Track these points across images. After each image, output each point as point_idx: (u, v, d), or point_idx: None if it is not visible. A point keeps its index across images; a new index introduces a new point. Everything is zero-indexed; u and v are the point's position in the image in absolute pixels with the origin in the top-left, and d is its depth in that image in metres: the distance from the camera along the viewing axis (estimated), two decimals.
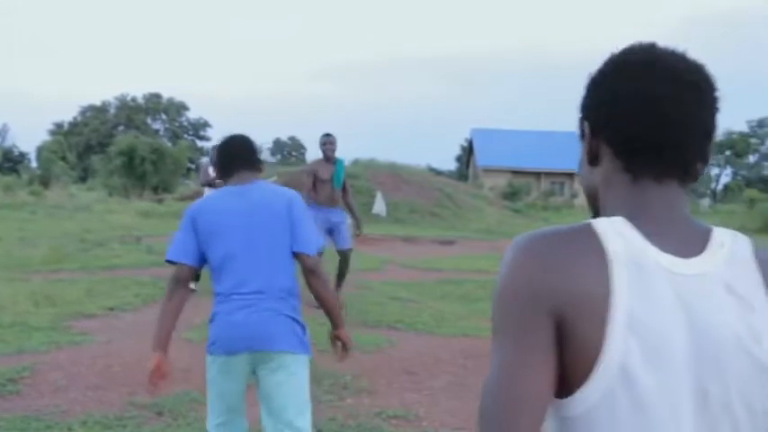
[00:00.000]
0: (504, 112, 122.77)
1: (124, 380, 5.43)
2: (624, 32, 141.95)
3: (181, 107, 77.45)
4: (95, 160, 48.57)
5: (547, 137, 51.71)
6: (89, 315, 7.75)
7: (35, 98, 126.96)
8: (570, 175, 49.00)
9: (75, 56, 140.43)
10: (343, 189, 8.63)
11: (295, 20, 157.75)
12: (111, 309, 8.14)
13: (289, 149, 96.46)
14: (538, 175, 48.26)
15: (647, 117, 1.12)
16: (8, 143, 73.55)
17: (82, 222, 20.58)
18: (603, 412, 1.03)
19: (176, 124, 78.08)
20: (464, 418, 4.96)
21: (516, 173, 46.54)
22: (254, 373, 3.23)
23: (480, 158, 50.20)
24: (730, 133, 65.96)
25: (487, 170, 48.18)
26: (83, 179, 57.48)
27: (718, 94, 1.16)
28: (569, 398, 1.05)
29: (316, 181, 8.43)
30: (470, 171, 54.65)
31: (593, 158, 1.21)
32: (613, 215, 1.13)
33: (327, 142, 8.49)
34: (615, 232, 1.07)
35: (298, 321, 3.21)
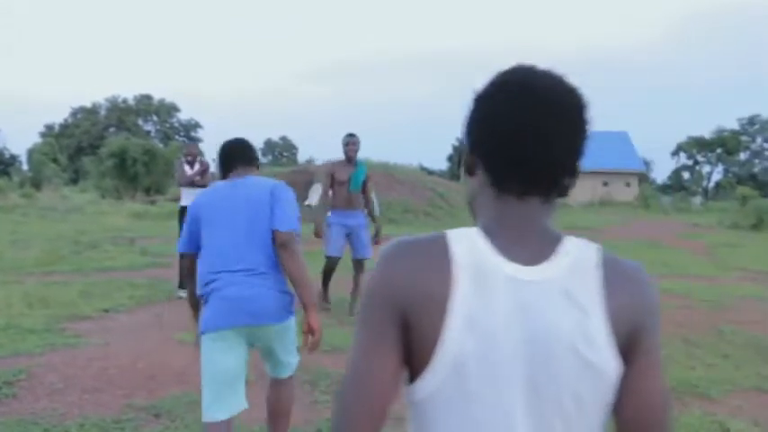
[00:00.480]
0: None
1: (120, 382, 5.37)
2: (619, 30, 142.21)
3: (172, 108, 77.31)
4: (87, 162, 48.43)
5: None
6: (84, 317, 7.69)
7: (25, 100, 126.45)
8: None
9: (65, 58, 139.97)
10: (364, 192, 8.15)
11: (286, 20, 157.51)
12: (106, 310, 8.08)
13: (280, 150, 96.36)
14: None
15: (513, 139, 1.20)
16: None
17: (75, 224, 20.48)
18: (440, 399, 1.16)
19: (167, 125, 77.92)
20: None
21: None
22: (251, 346, 3.54)
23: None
24: (721, 131, 66.19)
25: None
26: (74, 181, 57.31)
27: (588, 117, 1.25)
28: (413, 385, 1.19)
29: (333, 183, 8.03)
30: (462, 171, 54.69)
31: (469, 169, 1.32)
32: (478, 224, 1.26)
33: (350, 143, 8.00)
34: (465, 242, 1.19)
35: (286, 292, 3.53)
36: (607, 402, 1.20)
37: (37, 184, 41.83)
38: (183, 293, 8.85)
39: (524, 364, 1.15)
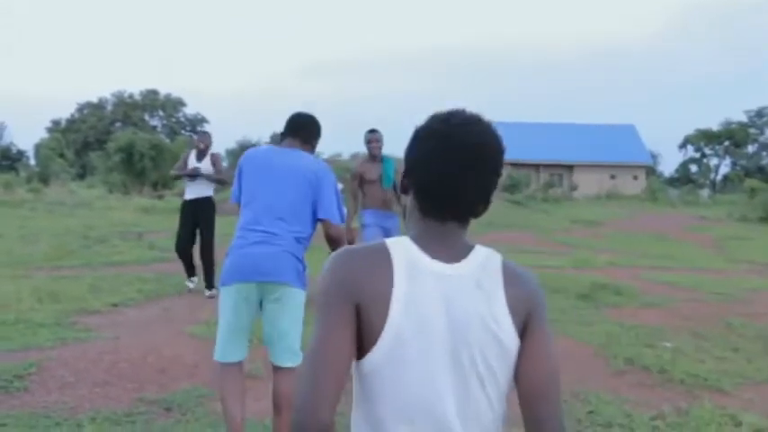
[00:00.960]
0: (502, 104, 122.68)
1: (131, 376, 5.39)
2: (625, 22, 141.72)
3: (178, 103, 77.31)
4: (94, 157, 48.50)
5: (545, 129, 51.66)
6: (93, 311, 7.71)
7: (32, 96, 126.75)
8: (569, 167, 48.98)
9: (71, 53, 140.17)
10: (395, 192, 7.64)
11: (291, 15, 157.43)
12: (115, 305, 8.10)
13: None
14: (537, 166, 48.20)
15: (432, 175, 1.55)
16: (6, 141, 73.40)
17: (82, 219, 20.53)
18: (384, 368, 1.49)
19: (174, 120, 77.96)
20: None
21: (515, 165, 46.49)
22: (260, 305, 3.79)
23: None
24: (729, 123, 65.92)
25: None
26: (81, 176, 57.38)
27: (500, 161, 1.58)
28: (362, 360, 1.50)
29: (363, 183, 7.59)
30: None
31: (404, 190, 1.65)
32: (408, 234, 1.61)
33: (373, 139, 7.55)
34: (401, 248, 1.54)
35: (300, 261, 3.78)
36: (510, 371, 1.55)
37: (44, 179, 41.90)
38: (192, 284, 8.99)
39: (448, 337, 1.50)
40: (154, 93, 77.00)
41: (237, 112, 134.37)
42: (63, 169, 51.22)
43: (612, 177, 48.00)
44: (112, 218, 21.08)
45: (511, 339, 1.53)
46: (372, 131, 7.59)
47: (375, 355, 1.48)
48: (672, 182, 63.15)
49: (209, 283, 8.77)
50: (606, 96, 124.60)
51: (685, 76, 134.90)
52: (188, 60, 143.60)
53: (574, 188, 45.20)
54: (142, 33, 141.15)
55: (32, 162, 62.38)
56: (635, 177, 48.92)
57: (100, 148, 50.70)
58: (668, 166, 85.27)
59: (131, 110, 74.99)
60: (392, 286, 1.49)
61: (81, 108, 75.85)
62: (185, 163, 9.09)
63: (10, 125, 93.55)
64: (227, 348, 3.83)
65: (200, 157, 9.04)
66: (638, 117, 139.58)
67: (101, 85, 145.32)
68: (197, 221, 8.95)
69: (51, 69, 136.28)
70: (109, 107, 76.24)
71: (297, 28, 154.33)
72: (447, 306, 1.50)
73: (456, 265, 1.54)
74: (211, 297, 8.41)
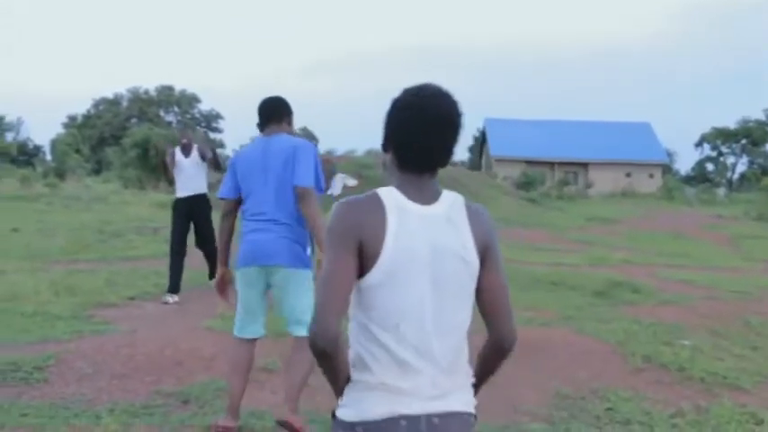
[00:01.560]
0: (516, 102, 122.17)
1: (148, 368, 5.41)
2: (641, 19, 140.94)
3: (193, 99, 77.48)
4: (110, 152, 48.70)
5: (560, 126, 51.42)
6: (110, 304, 7.75)
7: (49, 92, 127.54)
8: (584, 165, 48.74)
9: (87, 49, 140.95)
10: None
11: (300, 12, 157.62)
12: (132, 298, 8.15)
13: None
14: (551, 164, 48.01)
15: (409, 138, 2.01)
16: (23, 136, 73.89)
17: (98, 214, 20.65)
18: (379, 286, 1.93)
19: (188, 116, 78.10)
20: (489, 406, 4.86)
21: (530, 162, 46.33)
22: (268, 285, 4.23)
23: (493, 148, 49.98)
24: (746, 121, 65.41)
25: (501, 160, 47.97)
26: (96, 172, 57.65)
27: (460, 121, 2.04)
28: (362, 279, 1.94)
29: None
30: (483, 161, 54.45)
31: (384, 149, 2.09)
32: (390, 185, 2.04)
33: None
34: (389, 195, 1.98)
35: (299, 243, 4.18)
36: (473, 286, 2.01)
37: (60, 174, 42.10)
38: (171, 299, 8.05)
39: (429, 261, 1.95)
40: (169, 89, 77.21)
41: (252, 108, 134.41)
42: (79, 164, 51.50)
43: (628, 175, 47.73)
44: (128, 213, 21.17)
45: (475, 261, 2.00)
46: None
47: (373, 275, 1.93)
48: (688, 180, 62.74)
49: (213, 274, 8.27)
50: (622, 94, 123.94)
51: (702, 74, 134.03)
52: (203, 57, 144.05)
53: (589, 186, 45.01)
54: (157, 30, 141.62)
55: (49, 157, 62.73)
56: (651, 176, 48.62)
57: (115, 144, 50.86)
58: (684, 165, 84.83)
59: (147, 106, 75.23)
60: (385, 224, 1.93)
61: (97, 104, 76.18)
62: (173, 160, 8.54)
63: (27, 121, 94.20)
64: (243, 325, 4.33)
65: (186, 152, 8.62)
66: (655, 115, 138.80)
67: (116, 81, 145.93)
68: (192, 220, 8.51)
69: (67, 66, 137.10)
70: (124, 103, 76.51)
71: (305, 25, 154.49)
72: (427, 237, 1.96)
73: (431, 206, 2.00)
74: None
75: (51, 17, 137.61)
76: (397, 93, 2.06)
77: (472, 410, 2.04)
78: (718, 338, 7.03)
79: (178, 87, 77.52)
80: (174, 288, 8.19)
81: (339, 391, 2.00)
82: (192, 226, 8.57)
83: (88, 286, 8.57)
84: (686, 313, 8.29)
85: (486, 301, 2.03)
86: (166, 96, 76.92)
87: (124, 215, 20.15)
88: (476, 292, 2.02)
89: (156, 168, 27.63)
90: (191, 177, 8.48)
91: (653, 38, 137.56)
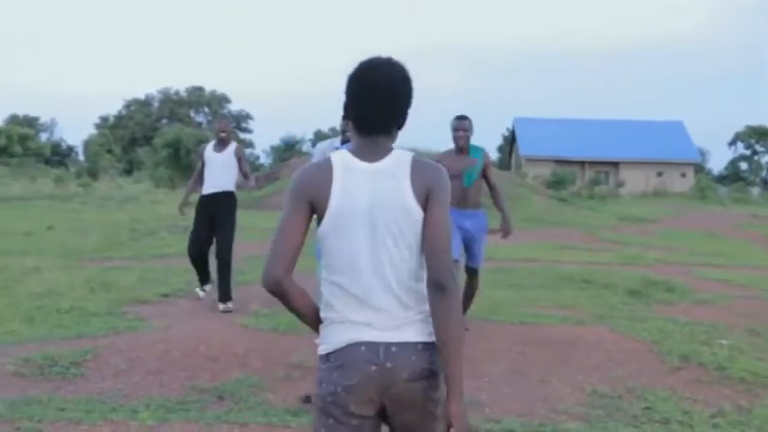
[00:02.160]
0: (546, 101, 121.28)
1: (183, 364, 5.43)
2: (673, 14, 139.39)
3: (223, 99, 77.99)
4: (141, 152, 49.16)
5: (591, 125, 51.01)
6: (144, 301, 7.80)
7: (81, 93, 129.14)
8: (615, 164, 48.33)
9: (119, 51, 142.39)
10: (489, 186, 6.77)
11: (332, 10, 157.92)
12: (165, 295, 8.19)
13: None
14: (582, 164, 47.66)
15: (359, 107, 2.27)
16: (56, 137, 74.95)
17: (131, 213, 20.86)
18: (329, 234, 2.20)
19: (219, 117, 78.70)
20: (525, 405, 4.87)
21: (560, 162, 46.01)
22: None
23: (523, 148, 49.73)
24: None
25: (530, 159, 47.72)
26: (128, 172, 58.24)
27: (403, 88, 2.29)
28: (320, 227, 2.22)
29: None
30: (513, 160, 54.19)
31: (345, 116, 2.38)
32: (349, 147, 2.32)
33: (460, 128, 6.53)
34: (340, 157, 2.25)
35: None
36: (418, 232, 2.19)
37: (93, 174, 42.62)
38: (203, 292, 7.96)
39: (368, 211, 2.18)
40: (199, 89, 77.79)
41: (281, 108, 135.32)
42: (111, 165, 52.13)
43: (659, 175, 47.24)
44: (160, 212, 21.33)
45: (415, 210, 2.19)
46: (461, 118, 6.58)
47: (323, 227, 2.21)
48: (721, 179, 61.94)
49: (226, 294, 7.49)
50: (654, 92, 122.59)
51: (736, 71, 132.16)
52: (233, 57, 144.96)
53: (620, 185, 44.58)
54: (188, 31, 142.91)
55: (81, 158, 63.60)
56: (683, 175, 48.07)
57: (146, 144, 51.38)
58: (717, 164, 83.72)
59: (177, 106, 75.86)
60: (331, 182, 2.20)
61: (128, 105, 76.95)
62: (203, 158, 7.79)
63: (60, 122, 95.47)
64: None
65: (221, 147, 7.76)
66: (687, 113, 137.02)
67: (147, 82, 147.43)
68: (214, 221, 7.65)
69: (99, 67, 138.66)
70: (155, 104, 77.22)
71: (341, 21, 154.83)
72: (370, 190, 2.19)
73: (377, 163, 2.23)
74: (227, 311, 7.30)
75: (84, 20, 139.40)
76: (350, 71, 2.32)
77: (428, 339, 2.19)
78: (757, 338, 6.90)
79: (208, 88, 78.11)
80: (204, 279, 7.94)
81: (315, 329, 2.29)
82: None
83: (122, 283, 8.64)
84: (723, 312, 8.16)
85: (426, 239, 2.20)
86: (197, 97, 77.49)
87: (156, 214, 20.32)
88: (421, 237, 2.21)
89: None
90: (219, 173, 7.65)
91: (686, 34, 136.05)
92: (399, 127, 2.32)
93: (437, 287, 2.15)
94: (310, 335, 5.70)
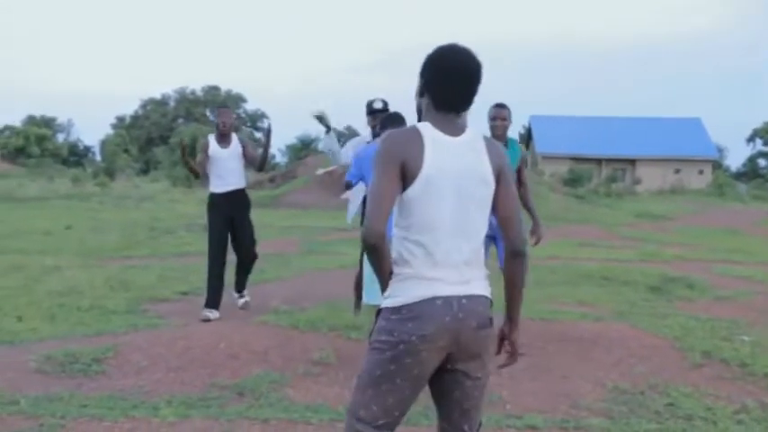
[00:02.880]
0: (563, 98, 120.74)
1: (204, 361, 5.43)
2: (690, 11, 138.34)
3: (238, 99, 78.18)
4: (158, 152, 49.41)
5: (607, 123, 50.77)
6: (163, 299, 7.84)
7: (98, 93, 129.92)
8: (632, 162, 48.07)
9: (135, 51, 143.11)
10: (520, 182, 6.08)
11: (348, 9, 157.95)
12: (185, 293, 8.22)
13: (346, 140, 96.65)
14: (599, 161, 47.42)
15: (448, 85, 2.52)
16: (73, 137, 75.43)
17: (149, 212, 20.97)
18: (417, 198, 2.44)
19: (234, 116, 78.91)
20: (547, 401, 4.85)
21: (576, 159, 45.79)
22: None
23: (539, 145, 49.54)
24: None
25: (547, 157, 47.55)
26: (144, 171, 58.52)
27: (481, 73, 2.54)
28: (404, 193, 2.45)
29: None
30: (529, 158, 53.98)
31: (422, 94, 2.60)
32: (425, 121, 2.53)
33: (498, 116, 6.03)
34: (426, 128, 2.49)
35: None
36: (491, 201, 2.53)
37: (110, 173, 42.87)
38: (213, 315, 6.93)
39: (455, 180, 2.45)
40: (215, 89, 78.02)
41: (297, 107, 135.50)
42: (127, 164, 52.40)
43: (677, 172, 46.94)
44: (177, 210, 21.47)
45: (491, 181, 2.50)
46: (499, 106, 6.07)
47: (413, 189, 2.43)
48: (739, 176, 61.41)
49: (243, 284, 7.49)
50: (671, 89, 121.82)
51: (754, 68, 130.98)
52: (248, 56, 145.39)
53: (637, 182, 44.32)
54: (204, 30, 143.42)
55: (98, 157, 63.94)
56: (700, 172, 47.74)
57: (163, 144, 51.59)
58: (735, 161, 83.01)
59: (193, 106, 76.13)
60: (423, 149, 2.43)
61: (144, 105, 77.35)
62: (206, 154, 7.17)
63: (77, 122, 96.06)
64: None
65: (224, 142, 7.23)
66: (705, 110, 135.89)
67: (164, 81, 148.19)
68: (232, 222, 7.17)
69: (116, 68, 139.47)
70: (171, 103, 77.54)
71: (356, 20, 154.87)
72: (456, 161, 2.46)
73: (458, 137, 2.51)
74: (245, 307, 7.30)
75: (101, 20, 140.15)
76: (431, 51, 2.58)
77: (489, 295, 2.55)
78: None
79: (224, 87, 78.33)
80: (216, 302, 7.07)
81: (385, 285, 2.49)
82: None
83: (141, 282, 8.68)
84: (744, 309, 8.09)
85: (500, 210, 2.55)
86: (213, 96, 77.70)
87: (173, 213, 20.43)
88: (492, 204, 2.54)
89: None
90: (231, 171, 7.18)
91: (703, 31, 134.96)
92: (469, 108, 2.60)
93: (514, 253, 2.55)
94: (329, 333, 5.75)
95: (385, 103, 6.58)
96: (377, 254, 2.44)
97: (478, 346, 2.49)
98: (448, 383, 2.53)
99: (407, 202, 2.44)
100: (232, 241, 7.26)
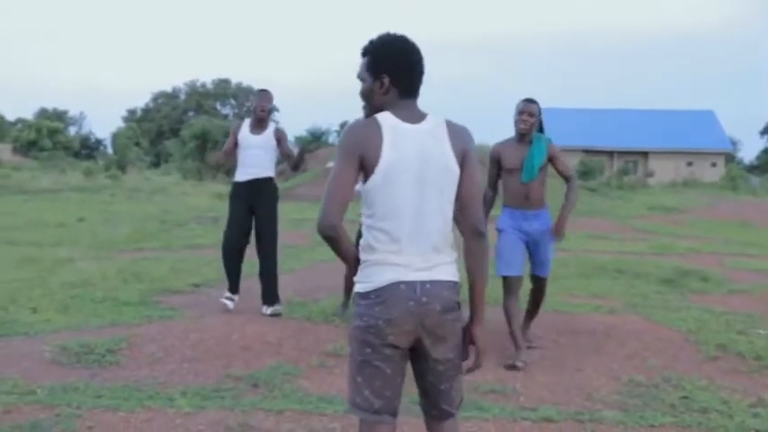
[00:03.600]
0: (574, 90, 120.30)
1: (217, 353, 5.44)
2: (697, 6, 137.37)
3: (249, 92, 78.18)
4: (169, 145, 49.50)
5: (619, 115, 50.47)
6: (176, 291, 7.84)
7: (109, 86, 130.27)
8: (644, 154, 47.81)
9: (146, 44, 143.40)
10: (564, 178, 5.77)
11: (354, 5, 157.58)
12: (197, 285, 8.22)
13: None
14: (611, 153, 47.19)
15: (409, 71, 2.60)
16: (85, 130, 75.73)
17: (160, 204, 21.02)
18: (378, 187, 2.49)
19: (244, 109, 78.94)
20: (560, 394, 4.83)
21: (588, 152, 45.56)
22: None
23: (551, 137, 49.29)
24: None
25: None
26: (155, 164, 58.68)
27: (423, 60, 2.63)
28: (366, 183, 2.51)
29: (500, 170, 5.71)
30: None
31: (376, 79, 2.60)
32: (387, 109, 2.57)
33: (525, 110, 5.56)
34: (384, 117, 2.53)
35: None
36: (455, 187, 2.56)
37: (122, 166, 42.99)
38: (231, 303, 6.77)
39: (417, 167, 2.49)
40: (225, 82, 78.15)
41: (307, 100, 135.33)
42: (138, 157, 52.53)
43: (689, 164, 46.64)
44: (188, 203, 21.50)
45: (454, 167, 2.55)
46: (528, 101, 5.61)
47: (374, 179, 2.48)
48: (752, 169, 61.06)
49: (274, 295, 6.69)
50: (684, 81, 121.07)
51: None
52: (258, 49, 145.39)
53: (649, 175, 44.09)
54: (214, 23, 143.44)
55: (110, 150, 64.12)
56: (713, 164, 47.43)
57: (173, 137, 51.66)
58: (749, 153, 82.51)
59: (204, 99, 76.29)
60: (382, 139, 2.48)
61: (155, 98, 77.57)
62: (235, 138, 6.71)
63: (88, 115, 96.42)
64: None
65: (259, 129, 6.72)
66: (718, 102, 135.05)
67: (174, 74, 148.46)
68: (253, 211, 6.70)
69: (127, 61, 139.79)
70: (182, 96, 77.71)
71: (364, 14, 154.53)
72: (418, 148, 2.51)
73: (419, 124, 2.56)
74: (276, 314, 6.52)
75: (112, 14, 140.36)
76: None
77: (455, 279, 2.57)
78: None
79: (234, 80, 78.40)
80: (235, 286, 6.82)
81: (353, 272, 2.58)
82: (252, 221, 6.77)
83: (154, 273, 8.70)
84: (758, 302, 8.05)
85: (463, 194, 2.57)
86: (223, 89, 77.87)
87: (184, 205, 20.47)
88: (457, 189, 2.57)
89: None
90: (257, 159, 6.66)
91: (716, 23, 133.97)
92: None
93: (474, 233, 2.58)
94: (343, 323, 5.72)
95: None
96: (333, 243, 2.52)
97: (444, 330, 2.54)
98: (421, 366, 2.61)
99: (369, 192, 2.50)
100: (256, 242, 6.78)
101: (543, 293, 5.99)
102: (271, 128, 6.75)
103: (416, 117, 2.57)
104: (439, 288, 2.52)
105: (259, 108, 6.67)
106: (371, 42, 2.63)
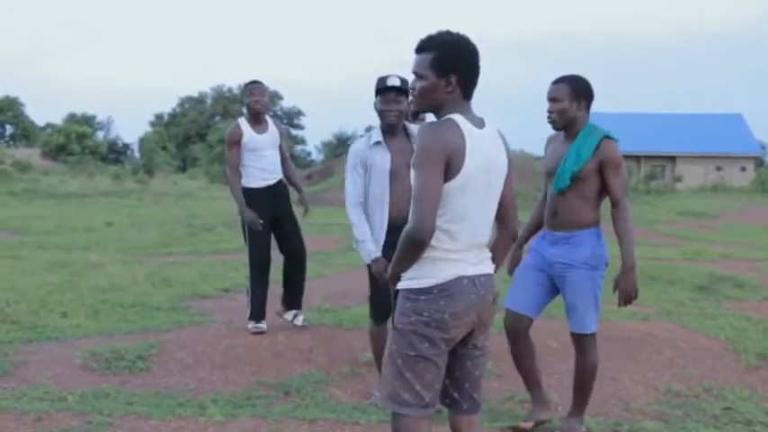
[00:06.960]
0: (601, 94, 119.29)
1: (248, 360, 5.40)
2: (725, 8, 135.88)
3: (275, 96, 78.46)
4: (196, 149, 49.75)
5: (647, 119, 50.01)
6: (205, 296, 7.82)
7: (137, 91, 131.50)
8: (672, 159, 47.30)
9: (173, 49, 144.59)
10: (610, 200, 4.18)
11: (386, 6, 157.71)
12: (226, 290, 8.19)
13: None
14: (638, 158, 46.74)
15: (475, 73, 2.65)
16: (112, 135, 76.43)
17: (187, 209, 21.10)
18: (458, 189, 2.55)
19: (270, 113, 79.29)
20: (598, 403, 4.72)
21: None
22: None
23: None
24: None
25: None
26: (182, 169, 59.02)
27: None
28: (447, 184, 2.52)
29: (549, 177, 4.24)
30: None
31: (440, 77, 2.60)
32: (453, 114, 2.59)
33: (549, 97, 4.09)
34: (462, 121, 2.56)
35: None
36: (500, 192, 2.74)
37: (149, 170, 43.28)
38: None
39: (485, 174, 2.60)
40: None
41: (333, 104, 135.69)
42: (166, 162, 52.84)
43: (718, 169, 46.06)
44: (215, 207, 21.55)
45: (506, 173, 2.73)
46: (556, 82, 4.10)
47: (455, 183, 2.53)
48: None
49: (299, 303, 6.29)
50: (712, 84, 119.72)
51: None
52: (284, 53, 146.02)
53: (677, 180, 43.59)
54: (241, 28, 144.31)
55: (137, 155, 64.64)
56: (743, 169, 46.80)
57: (200, 141, 51.92)
58: None
59: (230, 103, 76.54)
60: (465, 143, 2.52)
61: (182, 102, 78.01)
62: (238, 144, 6.10)
63: (116, 120, 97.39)
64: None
65: (260, 126, 6.20)
66: (747, 105, 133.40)
67: (201, 79, 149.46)
68: (277, 221, 6.23)
69: (154, 66, 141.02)
70: (208, 101, 78.12)
71: (389, 18, 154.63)
72: (485, 155, 2.59)
73: (483, 130, 2.63)
74: (305, 325, 6.21)
75: (140, 19, 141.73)
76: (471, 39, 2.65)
77: (494, 272, 2.80)
78: None
79: None
80: (260, 314, 6.16)
81: (403, 270, 2.64)
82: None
83: (183, 278, 8.68)
84: None
85: (506, 200, 2.78)
86: None
87: (212, 210, 20.52)
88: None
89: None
90: (271, 158, 6.17)
91: (744, 25, 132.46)
92: None
93: (513, 239, 2.91)
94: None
95: (404, 81, 4.33)
96: (422, 249, 2.54)
97: (491, 319, 2.78)
98: (461, 355, 2.75)
99: (448, 194, 2.54)
100: (281, 245, 6.39)
101: (585, 366, 4.28)
102: (270, 122, 6.30)
103: (479, 121, 2.64)
104: (490, 281, 2.73)
105: (254, 102, 6.13)
106: (434, 38, 2.61)
